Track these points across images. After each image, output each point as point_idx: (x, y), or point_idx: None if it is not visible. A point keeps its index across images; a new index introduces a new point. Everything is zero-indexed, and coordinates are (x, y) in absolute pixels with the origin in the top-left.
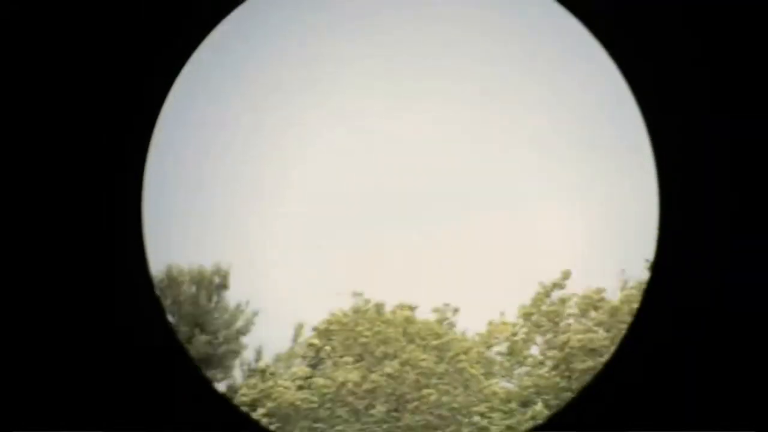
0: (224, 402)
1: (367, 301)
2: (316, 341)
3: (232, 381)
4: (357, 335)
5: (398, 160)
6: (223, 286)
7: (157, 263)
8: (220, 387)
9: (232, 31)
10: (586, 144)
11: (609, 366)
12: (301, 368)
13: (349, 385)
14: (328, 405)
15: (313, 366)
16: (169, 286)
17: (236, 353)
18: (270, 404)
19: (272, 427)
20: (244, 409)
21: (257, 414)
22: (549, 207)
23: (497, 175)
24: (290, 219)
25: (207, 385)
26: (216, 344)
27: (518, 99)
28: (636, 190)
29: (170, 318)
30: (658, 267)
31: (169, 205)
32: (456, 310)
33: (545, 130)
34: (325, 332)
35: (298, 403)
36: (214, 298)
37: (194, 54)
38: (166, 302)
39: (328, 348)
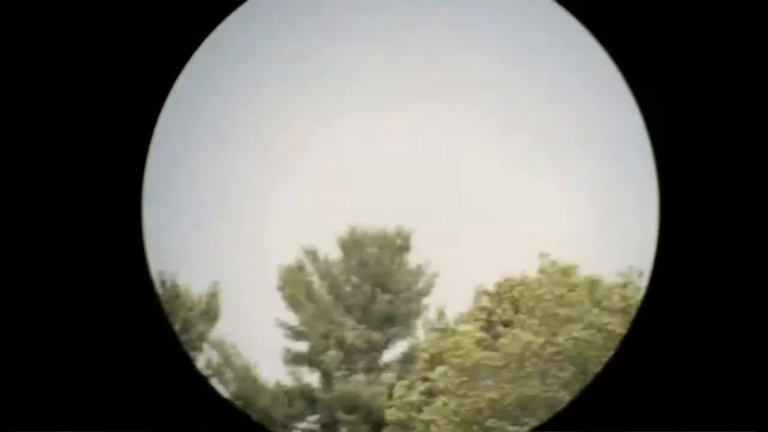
0: (223, 403)
1: (554, 263)
2: (494, 303)
3: (414, 340)
4: (541, 297)
5: (400, 157)
6: (405, 248)
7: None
8: (403, 344)
9: (232, 31)
10: (585, 145)
11: (609, 366)
12: (477, 329)
13: (534, 347)
14: (513, 365)
15: (491, 328)
16: (354, 247)
17: (418, 313)
18: (456, 361)
19: (457, 381)
20: (424, 365)
21: (436, 373)
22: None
23: (501, 172)
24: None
25: (206, 385)
26: (398, 304)
27: (517, 100)
28: (636, 190)
29: (354, 278)
30: (658, 267)
31: (169, 202)
32: (641, 274)
33: (544, 131)
34: (507, 293)
35: (485, 361)
36: (397, 260)
37: (194, 54)
38: (351, 263)
39: (509, 310)
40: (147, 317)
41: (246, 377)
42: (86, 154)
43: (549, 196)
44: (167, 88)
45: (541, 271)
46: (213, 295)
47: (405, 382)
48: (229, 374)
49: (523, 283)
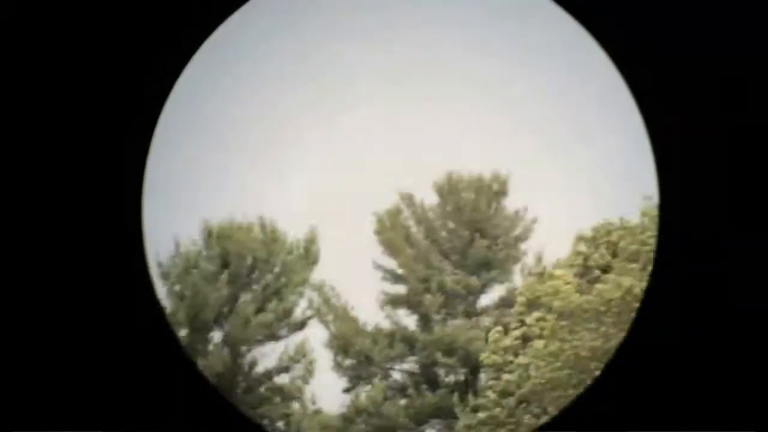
0: (223, 403)
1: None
2: (591, 248)
3: (511, 285)
4: (645, 242)
5: (401, 154)
6: (502, 192)
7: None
8: (500, 289)
9: (233, 31)
10: (585, 144)
11: (609, 366)
12: (574, 273)
13: (636, 292)
14: (615, 310)
15: (587, 273)
16: (450, 192)
17: (516, 258)
18: (554, 304)
19: (555, 325)
20: (521, 309)
21: (533, 317)
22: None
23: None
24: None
25: (206, 385)
26: (495, 249)
27: (516, 101)
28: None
29: (450, 223)
30: (658, 266)
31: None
32: None
33: (543, 131)
34: (604, 237)
35: (585, 305)
36: (493, 205)
37: (195, 54)
38: (447, 208)
39: (606, 255)
40: (147, 317)
41: (346, 317)
42: (86, 154)
43: (549, 195)
44: (168, 88)
45: (644, 213)
46: (311, 240)
47: (500, 327)
48: (329, 315)
49: (623, 227)
